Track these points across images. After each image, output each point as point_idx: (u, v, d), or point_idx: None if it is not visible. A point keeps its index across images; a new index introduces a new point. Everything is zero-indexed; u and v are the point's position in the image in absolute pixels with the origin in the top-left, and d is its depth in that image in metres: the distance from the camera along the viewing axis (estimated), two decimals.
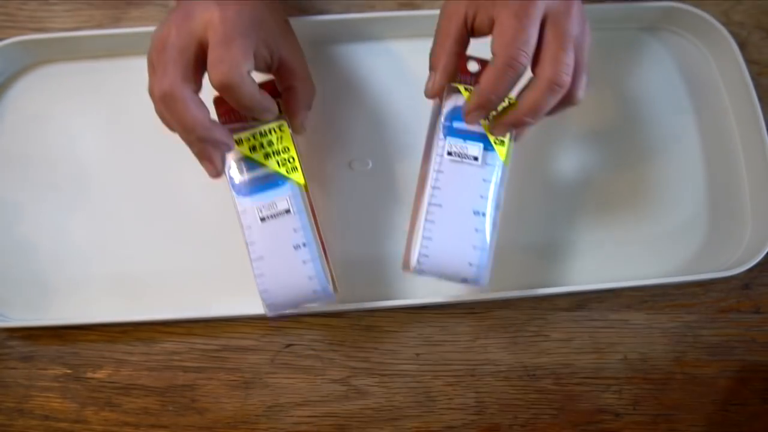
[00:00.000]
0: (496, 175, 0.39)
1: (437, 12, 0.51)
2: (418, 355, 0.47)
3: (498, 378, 0.46)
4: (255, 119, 0.40)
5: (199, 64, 0.36)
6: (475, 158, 0.39)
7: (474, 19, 0.37)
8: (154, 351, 0.47)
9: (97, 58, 0.52)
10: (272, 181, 0.40)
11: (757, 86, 0.49)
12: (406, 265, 0.39)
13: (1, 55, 0.50)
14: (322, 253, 0.40)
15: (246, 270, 0.46)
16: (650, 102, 0.52)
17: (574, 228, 0.49)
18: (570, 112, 0.51)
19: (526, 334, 0.47)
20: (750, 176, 0.50)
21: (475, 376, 0.46)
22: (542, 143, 0.50)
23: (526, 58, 0.35)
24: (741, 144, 0.51)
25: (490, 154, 0.39)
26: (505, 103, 0.39)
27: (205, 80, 0.38)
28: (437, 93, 0.39)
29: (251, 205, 0.39)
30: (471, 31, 0.38)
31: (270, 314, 0.40)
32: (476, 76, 0.40)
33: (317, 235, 0.40)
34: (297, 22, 0.51)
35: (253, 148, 0.40)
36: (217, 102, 0.42)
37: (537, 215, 0.49)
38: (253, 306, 0.46)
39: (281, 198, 0.39)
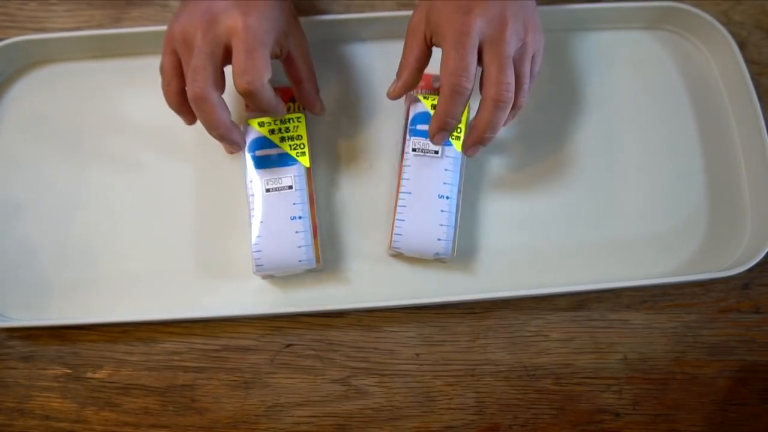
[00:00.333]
0: (455, 165, 0.46)
1: None
2: (418, 355, 0.47)
3: (498, 378, 0.46)
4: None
5: (223, 66, 0.41)
6: (436, 152, 0.46)
7: (431, 38, 0.43)
8: (154, 351, 0.47)
9: (97, 58, 0.52)
10: (282, 160, 0.46)
11: (757, 86, 0.50)
12: (388, 248, 0.46)
13: (1, 55, 0.50)
14: (313, 229, 0.45)
15: (246, 270, 0.46)
16: (650, 102, 0.52)
17: (574, 228, 0.49)
18: (570, 112, 0.51)
19: (526, 334, 0.47)
20: (750, 176, 0.50)
21: (475, 376, 0.46)
22: (542, 143, 0.50)
23: (469, 82, 0.40)
24: (741, 144, 0.51)
25: (448, 147, 0.46)
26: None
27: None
28: (396, 97, 0.46)
29: (259, 177, 0.45)
30: (431, 45, 0.44)
31: (257, 273, 0.45)
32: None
33: (312, 214, 0.45)
34: None
35: (272, 131, 0.46)
36: None
37: (537, 215, 0.49)
38: (253, 306, 0.47)
39: (287, 175, 0.45)
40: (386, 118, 0.51)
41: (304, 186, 0.45)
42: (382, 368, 0.46)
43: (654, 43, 0.53)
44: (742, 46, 0.52)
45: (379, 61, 0.52)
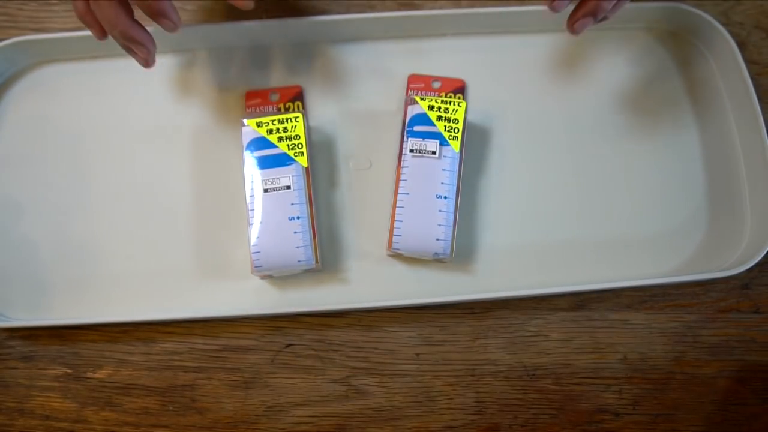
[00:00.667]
0: (452, 165, 0.46)
1: (437, 12, 0.51)
2: (418, 355, 0.47)
3: (498, 378, 0.46)
4: (265, 104, 0.50)
5: None
6: (434, 152, 0.46)
7: None
8: (154, 351, 0.47)
9: (97, 58, 0.52)
10: (281, 160, 0.46)
11: (756, 86, 0.49)
12: (387, 249, 0.46)
13: (1, 55, 0.50)
14: (312, 229, 0.45)
15: (245, 270, 0.46)
16: (650, 102, 0.52)
17: (575, 228, 0.49)
18: (570, 112, 0.51)
19: (526, 334, 0.47)
20: (750, 176, 0.50)
21: (475, 376, 0.46)
22: (542, 143, 0.50)
23: None
24: (741, 144, 0.51)
25: (445, 148, 0.46)
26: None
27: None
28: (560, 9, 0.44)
29: (258, 177, 0.45)
30: None
31: (256, 274, 0.45)
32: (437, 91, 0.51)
33: (310, 213, 0.45)
34: (297, 22, 0.51)
35: (270, 131, 0.46)
36: (248, 96, 0.51)
37: (537, 215, 0.49)
38: (253, 306, 0.47)
39: (285, 175, 0.45)
40: (386, 118, 0.51)
41: (303, 186, 0.45)
42: (382, 368, 0.46)
43: (654, 43, 0.53)
44: (742, 46, 0.52)
45: (379, 61, 0.52)
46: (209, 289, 0.47)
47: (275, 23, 0.51)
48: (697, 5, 0.52)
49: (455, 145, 0.46)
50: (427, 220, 0.45)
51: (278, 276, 0.47)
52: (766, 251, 0.46)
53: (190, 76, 0.52)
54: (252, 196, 0.45)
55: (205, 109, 0.51)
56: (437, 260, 0.47)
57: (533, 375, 0.47)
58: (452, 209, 0.45)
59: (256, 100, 0.51)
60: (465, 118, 0.47)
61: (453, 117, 0.46)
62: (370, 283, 0.47)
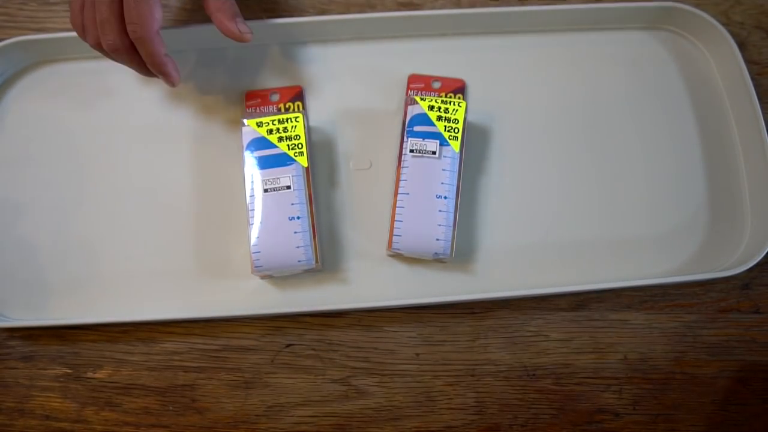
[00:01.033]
0: (452, 165, 0.46)
1: (437, 12, 0.51)
2: (418, 355, 0.47)
3: (498, 378, 0.46)
4: (265, 104, 0.50)
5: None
6: (434, 152, 0.46)
7: None
8: (154, 351, 0.47)
9: (97, 58, 0.52)
10: (281, 160, 0.46)
11: (756, 86, 0.49)
12: (387, 249, 0.46)
13: (1, 55, 0.50)
14: (312, 229, 0.45)
15: (245, 270, 0.46)
16: (650, 102, 0.52)
17: (575, 228, 0.49)
18: (570, 112, 0.51)
19: (526, 334, 0.47)
20: (750, 176, 0.50)
21: (475, 376, 0.46)
22: (542, 144, 0.50)
23: None
24: (741, 144, 0.51)
25: (445, 148, 0.46)
26: None
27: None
28: None
29: (258, 177, 0.45)
30: None
31: (256, 274, 0.45)
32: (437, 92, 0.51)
33: (311, 213, 0.46)
34: (297, 23, 0.51)
35: (270, 132, 0.46)
36: (248, 96, 0.51)
37: (537, 215, 0.49)
38: (253, 306, 0.47)
39: (285, 175, 0.45)
40: (386, 118, 0.51)
41: (303, 186, 0.45)
42: (382, 368, 0.46)
43: (654, 43, 0.53)
44: (742, 46, 0.52)
45: (379, 61, 0.52)
46: (209, 289, 0.47)
47: (275, 23, 0.51)
48: (697, 5, 0.52)
49: (455, 145, 0.46)
50: (427, 220, 0.45)
51: (278, 276, 0.47)
52: (766, 251, 0.46)
53: (190, 75, 0.52)
54: (252, 196, 0.45)
55: (206, 109, 0.51)
56: (437, 260, 0.47)
57: (533, 375, 0.46)
58: (452, 209, 0.45)
59: (256, 100, 0.51)
60: (465, 118, 0.47)
61: (453, 117, 0.46)
62: (370, 283, 0.47)
